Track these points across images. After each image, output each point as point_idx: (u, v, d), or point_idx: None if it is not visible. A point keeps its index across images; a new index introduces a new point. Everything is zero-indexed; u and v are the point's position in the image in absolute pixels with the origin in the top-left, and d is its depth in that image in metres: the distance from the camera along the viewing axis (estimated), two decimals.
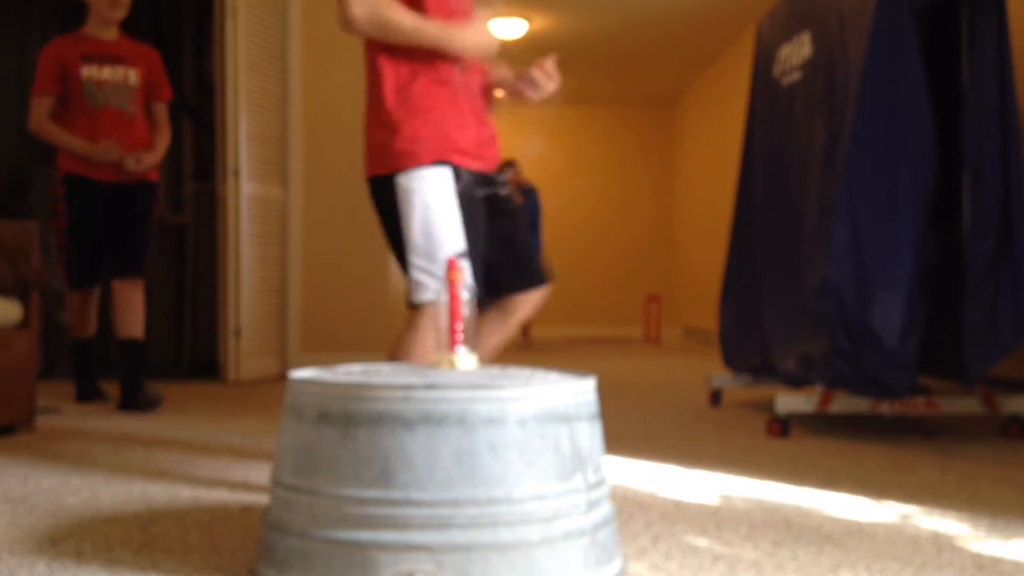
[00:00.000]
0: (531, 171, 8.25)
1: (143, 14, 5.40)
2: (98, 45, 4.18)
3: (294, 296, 5.79)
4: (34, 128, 4.13)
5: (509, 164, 8.17)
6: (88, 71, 4.11)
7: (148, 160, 4.14)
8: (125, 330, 4.10)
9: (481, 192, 2.24)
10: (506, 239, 2.35)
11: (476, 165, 2.28)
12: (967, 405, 3.34)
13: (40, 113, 4.12)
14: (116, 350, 4.18)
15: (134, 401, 4.00)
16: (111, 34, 4.22)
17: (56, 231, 4.94)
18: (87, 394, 4.38)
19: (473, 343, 1.80)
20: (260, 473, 2.60)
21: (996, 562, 1.76)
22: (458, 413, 1.47)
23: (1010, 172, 3.19)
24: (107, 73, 4.14)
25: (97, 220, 4.12)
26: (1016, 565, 1.75)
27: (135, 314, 4.12)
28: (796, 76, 3.77)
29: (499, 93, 2.42)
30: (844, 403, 3.33)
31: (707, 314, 8.58)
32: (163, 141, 4.30)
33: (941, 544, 1.89)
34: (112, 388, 4.35)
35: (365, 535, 1.46)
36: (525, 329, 8.30)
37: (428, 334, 2.14)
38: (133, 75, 4.19)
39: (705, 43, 9.20)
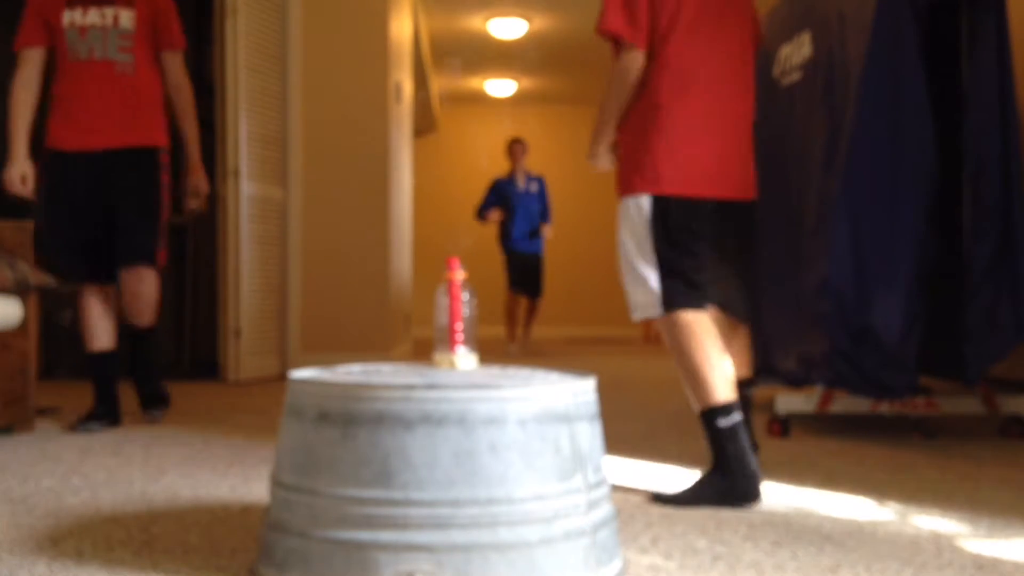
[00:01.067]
0: (532, 169, 8.24)
1: None
2: None
3: (294, 296, 5.79)
4: (11, 90, 3.47)
5: (517, 141, 8.12)
6: (70, 16, 3.41)
7: (197, 186, 3.66)
8: (131, 320, 3.58)
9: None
10: None
11: None
12: (967, 405, 3.34)
13: (19, 71, 3.47)
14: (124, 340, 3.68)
15: (146, 395, 3.67)
16: None
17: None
18: (101, 414, 3.49)
19: (473, 343, 1.80)
20: (260, 473, 2.60)
21: (996, 562, 1.76)
22: (458, 413, 1.47)
23: (1010, 172, 3.18)
24: (92, 16, 3.41)
25: (83, 200, 3.45)
26: (1016, 565, 1.75)
27: (141, 305, 3.53)
28: (796, 76, 3.77)
29: None
30: (844, 403, 3.33)
31: None
32: (187, 108, 3.60)
33: (941, 544, 1.89)
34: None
35: (365, 535, 1.46)
36: (525, 329, 8.28)
37: None
38: (127, 17, 3.44)
39: None
